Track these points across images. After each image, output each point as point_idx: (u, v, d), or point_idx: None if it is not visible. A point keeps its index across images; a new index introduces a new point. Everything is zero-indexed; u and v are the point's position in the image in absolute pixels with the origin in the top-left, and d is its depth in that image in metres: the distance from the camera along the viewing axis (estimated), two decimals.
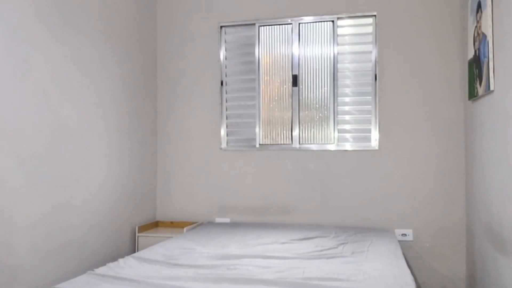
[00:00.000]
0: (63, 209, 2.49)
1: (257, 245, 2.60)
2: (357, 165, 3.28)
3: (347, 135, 3.36)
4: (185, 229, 3.19)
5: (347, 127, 3.36)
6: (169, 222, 3.59)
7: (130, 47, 3.23)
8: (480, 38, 2.54)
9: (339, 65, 3.36)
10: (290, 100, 3.46)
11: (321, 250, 2.45)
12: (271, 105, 3.51)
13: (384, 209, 3.21)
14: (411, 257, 3.11)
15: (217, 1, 3.56)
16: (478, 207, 2.72)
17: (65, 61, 2.52)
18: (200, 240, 2.76)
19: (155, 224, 3.58)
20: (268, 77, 3.52)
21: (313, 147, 3.41)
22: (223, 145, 3.56)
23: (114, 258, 2.51)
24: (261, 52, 3.52)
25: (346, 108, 3.36)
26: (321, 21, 3.41)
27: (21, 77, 2.18)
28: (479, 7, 2.55)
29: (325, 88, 3.41)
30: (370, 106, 3.30)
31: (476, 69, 2.64)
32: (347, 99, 3.36)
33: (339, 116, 3.36)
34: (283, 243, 2.66)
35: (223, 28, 3.56)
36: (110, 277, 1.95)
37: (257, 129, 3.51)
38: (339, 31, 3.36)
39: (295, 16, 3.42)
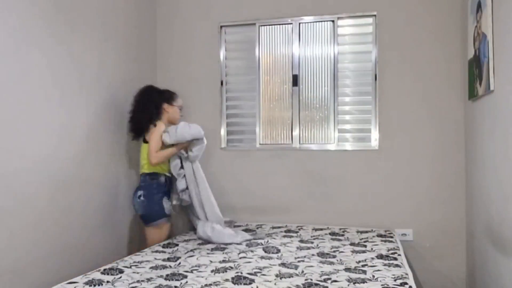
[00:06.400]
0: (63, 209, 2.49)
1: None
2: (357, 165, 3.28)
3: (347, 135, 3.36)
4: None
5: (347, 127, 3.36)
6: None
7: (130, 47, 3.23)
8: (480, 38, 2.54)
9: (339, 65, 3.36)
10: (290, 100, 3.46)
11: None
12: (271, 105, 3.51)
13: (384, 209, 3.21)
14: (411, 257, 3.11)
15: (217, 1, 3.55)
16: (478, 207, 2.72)
17: (65, 61, 2.52)
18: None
19: None
20: (268, 77, 3.52)
21: (313, 147, 3.41)
22: (223, 145, 3.56)
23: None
24: (261, 52, 3.52)
25: (346, 108, 3.36)
26: (321, 21, 3.41)
27: (21, 78, 2.18)
28: (479, 7, 2.55)
29: (325, 88, 3.41)
30: (370, 106, 3.30)
31: (476, 69, 2.64)
32: (347, 99, 3.36)
33: (339, 116, 3.36)
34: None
35: (223, 28, 3.56)
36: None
37: (257, 129, 3.51)
38: (339, 31, 3.36)
39: (295, 16, 3.42)
